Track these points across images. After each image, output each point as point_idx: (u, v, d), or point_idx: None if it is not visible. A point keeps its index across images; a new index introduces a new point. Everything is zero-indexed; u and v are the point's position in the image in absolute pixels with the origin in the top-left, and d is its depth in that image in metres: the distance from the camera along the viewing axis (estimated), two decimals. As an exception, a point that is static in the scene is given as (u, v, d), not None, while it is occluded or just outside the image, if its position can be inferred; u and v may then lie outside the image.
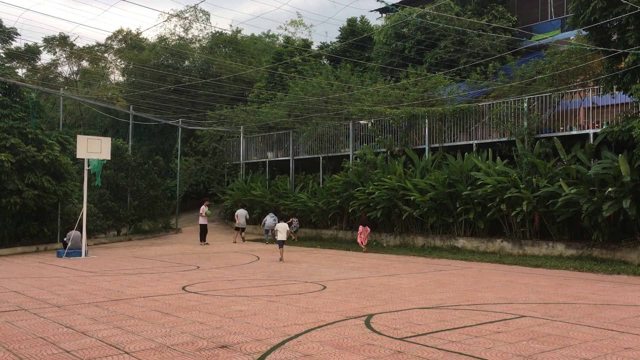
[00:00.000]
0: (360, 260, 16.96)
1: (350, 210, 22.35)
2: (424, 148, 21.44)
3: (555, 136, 17.68)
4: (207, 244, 22.90)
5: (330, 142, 25.40)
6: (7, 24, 38.46)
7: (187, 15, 42.37)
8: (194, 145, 32.62)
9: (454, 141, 20.78)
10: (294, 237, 23.47)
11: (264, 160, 29.06)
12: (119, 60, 43.25)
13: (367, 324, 7.77)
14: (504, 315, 8.45)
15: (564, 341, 6.83)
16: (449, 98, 23.10)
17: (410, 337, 6.99)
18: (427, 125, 21.29)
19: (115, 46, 43.15)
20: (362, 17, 37.53)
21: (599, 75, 17.22)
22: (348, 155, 24.24)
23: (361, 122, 23.96)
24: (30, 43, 38.56)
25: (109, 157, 19.39)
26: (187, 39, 42.18)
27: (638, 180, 14.56)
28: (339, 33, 36.71)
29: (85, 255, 17.92)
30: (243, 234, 24.56)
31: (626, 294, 10.69)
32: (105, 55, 43.64)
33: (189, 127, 31.91)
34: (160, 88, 34.55)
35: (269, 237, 23.17)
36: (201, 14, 42.69)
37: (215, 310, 8.75)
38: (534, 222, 17.28)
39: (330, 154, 25.24)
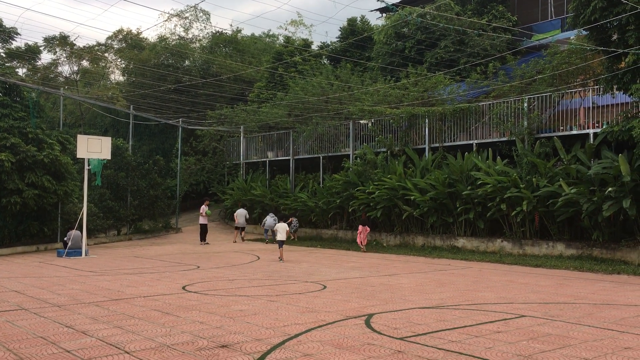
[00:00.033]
0: (361, 260, 16.96)
1: (350, 210, 22.35)
2: (424, 148, 21.44)
3: (556, 136, 17.67)
4: (207, 243, 22.90)
5: (330, 142, 25.40)
6: (8, 23, 38.39)
7: (187, 15, 42.45)
8: (194, 145, 32.61)
9: (454, 141, 20.78)
10: (293, 237, 23.47)
11: (264, 159, 29.06)
12: (119, 60, 43.25)
13: (367, 323, 7.77)
14: (504, 315, 8.45)
15: (564, 341, 6.83)
16: (449, 98, 23.08)
17: (410, 336, 6.99)
18: (427, 125, 21.29)
19: (115, 46, 43.16)
20: (362, 17, 37.56)
21: (599, 75, 17.22)
22: (348, 155, 24.24)
23: (361, 121, 23.96)
24: (30, 43, 38.48)
25: (109, 157, 19.39)
26: (187, 39, 42.19)
27: (638, 180, 14.56)
28: (339, 33, 36.70)
29: (86, 255, 17.93)
30: (243, 233, 24.57)
31: (626, 293, 10.69)
32: (106, 55, 43.63)
33: (189, 127, 31.91)
34: (161, 88, 34.57)
35: (269, 236, 23.18)
36: (201, 14, 42.76)
37: (216, 309, 8.76)
38: (534, 222, 17.28)
39: (330, 154, 25.24)
